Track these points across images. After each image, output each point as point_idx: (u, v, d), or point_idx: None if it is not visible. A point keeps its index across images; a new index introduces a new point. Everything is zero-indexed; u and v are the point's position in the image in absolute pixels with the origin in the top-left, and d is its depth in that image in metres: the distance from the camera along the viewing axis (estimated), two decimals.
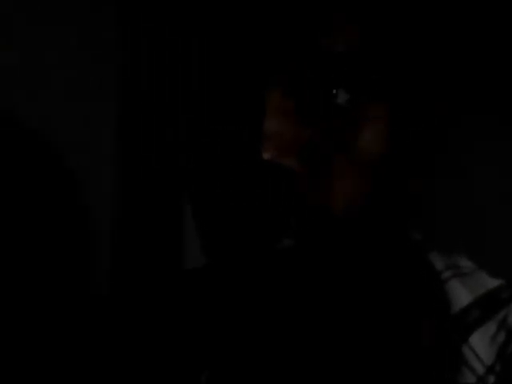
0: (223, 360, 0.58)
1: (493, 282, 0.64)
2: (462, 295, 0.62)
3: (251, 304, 0.55)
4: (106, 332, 0.64)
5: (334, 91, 0.54)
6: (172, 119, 0.55)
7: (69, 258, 1.04)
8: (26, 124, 1.04)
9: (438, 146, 0.59)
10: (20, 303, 0.95)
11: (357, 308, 0.56)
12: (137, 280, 1.05)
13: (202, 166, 0.55)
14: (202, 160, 0.55)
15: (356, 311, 0.56)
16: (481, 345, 0.60)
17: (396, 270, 0.59)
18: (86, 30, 1.06)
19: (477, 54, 1.11)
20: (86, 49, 1.06)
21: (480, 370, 0.59)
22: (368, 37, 0.55)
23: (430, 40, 0.58)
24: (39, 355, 0.68)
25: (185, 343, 0.61)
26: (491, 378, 0.59)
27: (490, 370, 0.59)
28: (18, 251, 0.98)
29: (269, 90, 0.54)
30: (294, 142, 0.54)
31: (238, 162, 0.55)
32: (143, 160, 1.00)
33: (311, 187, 0.54)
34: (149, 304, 0.65)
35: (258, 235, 0.53)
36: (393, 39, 0.56)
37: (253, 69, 0.54)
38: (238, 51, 0.53)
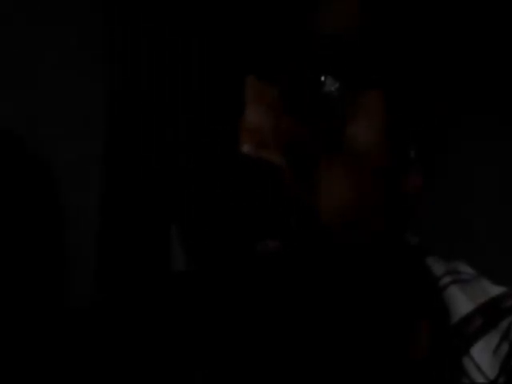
0: (211, 365, 0.56)
1: (495, 290, 0.60)
2: (462, 303, 0.58)
3: (234, 309, 0.52)
4: (93, 340, 0.63)
5: (322, 78, 0.50)
6: (172, 119, 0.54)
7: (53, 262, 1.04)
8: (23, 124, 1.04)
9: (438, 145, 0.57)
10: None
11: (345, 318, 0.53)
12: (123, 284, 1.04)
13: (198, 165, 0.52)
14: (201, 160, 0.53)
15: (345, 322, 0.53)
16: (483, 356, 0.57)
17: (390, 277, 0.55)
18: (86, 29, 1.05)
19: (477, 53, 1.11)
20: (86, 49, 1.06)
21: (482, 383, 0.56)
22: (360, 18, 0.51)
23: (428, 30, 0.55)
24: (20, 368, 0.68)
25: (172, 348, 0.59)
26: None
27: (493, 383, 0.56)
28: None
29: (248, 77, 0.50)
30: (276, 133, 0.49)
31: (221, 158, 0.51)
32: (131, 163, 0.99)
33: (297, 185, 0.50)
34: (136, 308, 0.63)
35: (242, 235, 0.50)
36: (388, 21, 0.52)
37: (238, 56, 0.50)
38: (227, 39, 0.51)
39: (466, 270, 0.62)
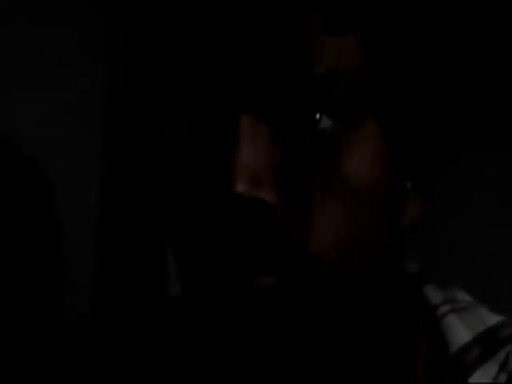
0: None
1: (493, 319, 0.60)
2: (460, 332, 0.58)
3: (227, 342, 0.50)
4: (89, 354, 0.63)
5: (318, 116, 0.50)
6: (172, 119, 0.54)
7: (49, 278, 1.03)
8: (22, 124, 1.04)
9: (437, 169, 0.56)
10: None
11: (341, 351, 0.52)
12: (120, 296, 1.03)
13: (195, 203, 0.51)
14: (198, 198, 0.51)
15: (340, 355, 0.52)
16: None
17: (385, 308, 0.54)
18: (86, 29, 1.06)
19: (476, 72, 1.11)
20: (86, 49, 1.06)
21: None
22: (360, 56, 0.51)
23: (428, 60, 0.54)
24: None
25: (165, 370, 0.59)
26: None
27: None
28: None
29: (241, 115, 0.49)
30: (269, 171, 0.49)
31: (216, 197, 0.50)
32: (131, 163, 0.99)
33: (292, 222, 0.49)
34: (131, 328, 0.62)
35: (237, 270, 0.49)
36: (386, 60, 0.52)
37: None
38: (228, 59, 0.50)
39: (465, 297, 0.62)
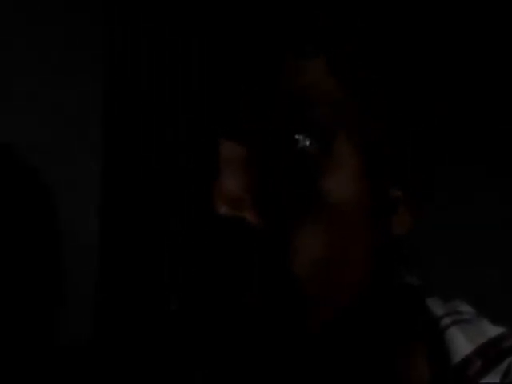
0: None
1: (494, 330, 0.60)
2: (462, 344, 0.58)
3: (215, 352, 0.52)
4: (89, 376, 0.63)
5: (294, 137, 0.51)
6: (172, 119, 0.54)
7: (51, 279, 1.03)
8: (22, 125, 1.04)
9: (437, 170, 0.57)
10: None
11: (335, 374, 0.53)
12: (121, 305, 1.03)
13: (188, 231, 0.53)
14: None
15: (329, 370, 0.53)
16: None
17: (385, 319, 0.55)
18: (86, 29, 1.05)
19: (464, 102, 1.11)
20: (86, 49, 1.06)
21: None
22: (323, 82, 0.52)
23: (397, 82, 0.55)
24: None
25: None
26: None
27: None
28: None
29: (221, 141, 0.51)
30: (250, 193, 0.50)
31: (201, 221, 0.52)
32: (131, 163, 0.99)
33: (275, 241, 0.50)
34: (133, 343, 0.63)
35: (226, 285, 0.50)
36: (353, 83, 0.53)
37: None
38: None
39: (467, 309, 0.62)
